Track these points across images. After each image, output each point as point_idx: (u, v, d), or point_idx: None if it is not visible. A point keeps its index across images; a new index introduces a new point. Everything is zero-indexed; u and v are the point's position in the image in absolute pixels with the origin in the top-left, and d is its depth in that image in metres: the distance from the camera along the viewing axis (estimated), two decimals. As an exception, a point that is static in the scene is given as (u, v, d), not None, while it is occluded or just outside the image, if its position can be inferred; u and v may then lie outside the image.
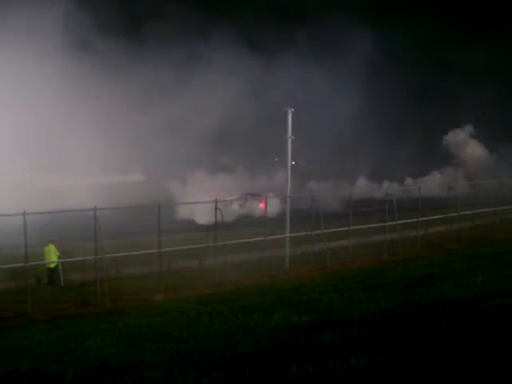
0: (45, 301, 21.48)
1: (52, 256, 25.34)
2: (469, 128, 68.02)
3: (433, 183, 49.28)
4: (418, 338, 7.01)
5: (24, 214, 19.91)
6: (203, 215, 33.40)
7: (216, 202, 25.27)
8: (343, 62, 53.42)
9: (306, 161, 54.36)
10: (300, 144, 29.14)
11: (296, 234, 28.12)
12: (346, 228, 29.10)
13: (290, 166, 27.87)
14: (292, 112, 27.36)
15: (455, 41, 65.24)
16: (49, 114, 38.35)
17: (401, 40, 60.64)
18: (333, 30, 54.85)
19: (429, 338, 6.99)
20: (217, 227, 25.11)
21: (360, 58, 55.44)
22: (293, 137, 27.60)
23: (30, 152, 38.41)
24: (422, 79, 66.48)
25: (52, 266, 25.36)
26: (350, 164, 53.14)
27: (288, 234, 27.99)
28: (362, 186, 49.37)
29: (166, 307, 18.80)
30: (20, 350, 11.69)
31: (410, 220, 31.78)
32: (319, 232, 27.67)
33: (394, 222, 30.41)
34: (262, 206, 32.55)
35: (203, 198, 29.03)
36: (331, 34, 54.52)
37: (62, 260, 24.98)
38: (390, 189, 34.81)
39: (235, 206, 39.97)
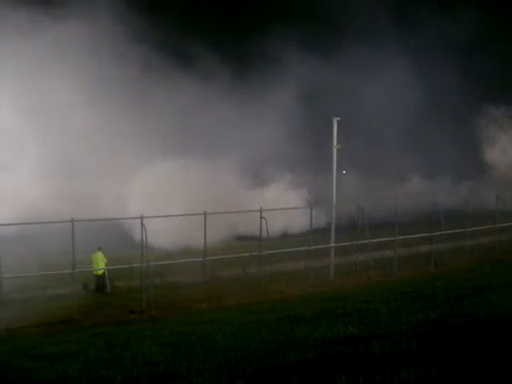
0: (92, 307, 21.76)
1: (100, 263, 25.66)
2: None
3: (482, 190, 47.28)
4: (469, 351, 6.87)
5: (72, 221, 20.21)
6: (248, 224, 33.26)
7: (261, 211, 25.23)
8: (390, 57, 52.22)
9: (352, 168, 53.06)
10: (347, 152, 28.56)
11: (341, 244, 27.88)
12: (393, 238, 28.72)
13: (335, 175, 27.58)
14: (338, 121, 27.06)
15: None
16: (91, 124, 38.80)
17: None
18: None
19: (480, 351, 6.85)
20: (262, 236, 25.07)
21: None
22: (339, 146, 27.35)
23: (71, 159, 38.72)
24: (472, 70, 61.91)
25: (99, 272, 25.70)
26: (400, 166, 51.50)
27: (333, 244, 27.75)
28: (407, 194, 47.86)
29: (211, 315, 18.81)
30: (68, 355, 11.87)
31: (458, 230, 31.22)
32: (365, 242, 27.39)
33: (441, 232, 29.92)
34: None
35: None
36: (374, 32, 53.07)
37: (109, 267, 25.27)
38: (436, 197, 34.02)
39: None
